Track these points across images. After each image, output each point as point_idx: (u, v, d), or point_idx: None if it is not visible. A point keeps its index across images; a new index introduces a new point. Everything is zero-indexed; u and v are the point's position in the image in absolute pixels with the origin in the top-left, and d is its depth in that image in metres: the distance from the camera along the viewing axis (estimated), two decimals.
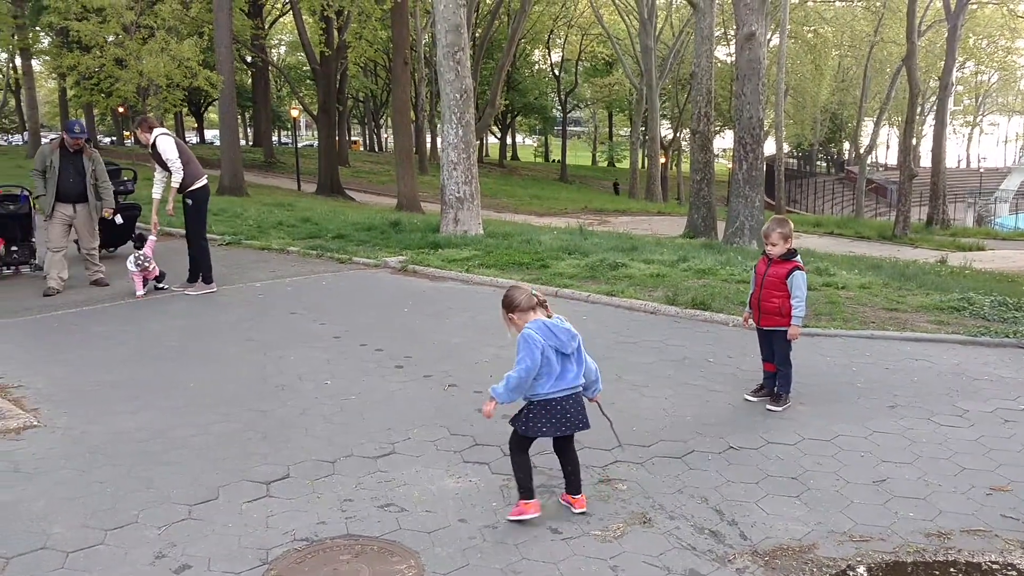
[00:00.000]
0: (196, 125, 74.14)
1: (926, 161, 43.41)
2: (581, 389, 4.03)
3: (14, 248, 10.30)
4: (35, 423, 5.26)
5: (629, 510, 4.13)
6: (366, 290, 9.74)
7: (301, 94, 52.24)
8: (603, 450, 4.82)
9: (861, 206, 46.09)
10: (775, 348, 5.56)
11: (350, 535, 3.86)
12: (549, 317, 4.01)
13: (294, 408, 5.56)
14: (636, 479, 4.48)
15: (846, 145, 69.92)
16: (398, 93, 27.72)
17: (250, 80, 52.44)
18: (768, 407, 5.50)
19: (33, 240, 10.50)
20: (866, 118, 51.99)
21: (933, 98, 52.83)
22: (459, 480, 4.44)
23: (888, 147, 78.07)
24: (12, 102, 63.99)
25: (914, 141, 42.98)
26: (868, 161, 54.62)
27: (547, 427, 3.92)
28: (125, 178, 12.11)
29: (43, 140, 47.25)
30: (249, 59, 43.75)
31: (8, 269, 10.40)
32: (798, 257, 5.45)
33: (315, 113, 35.62)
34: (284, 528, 3.91)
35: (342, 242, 13.09)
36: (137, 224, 11.93)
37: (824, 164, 70.16)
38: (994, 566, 3.66)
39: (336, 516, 4.04)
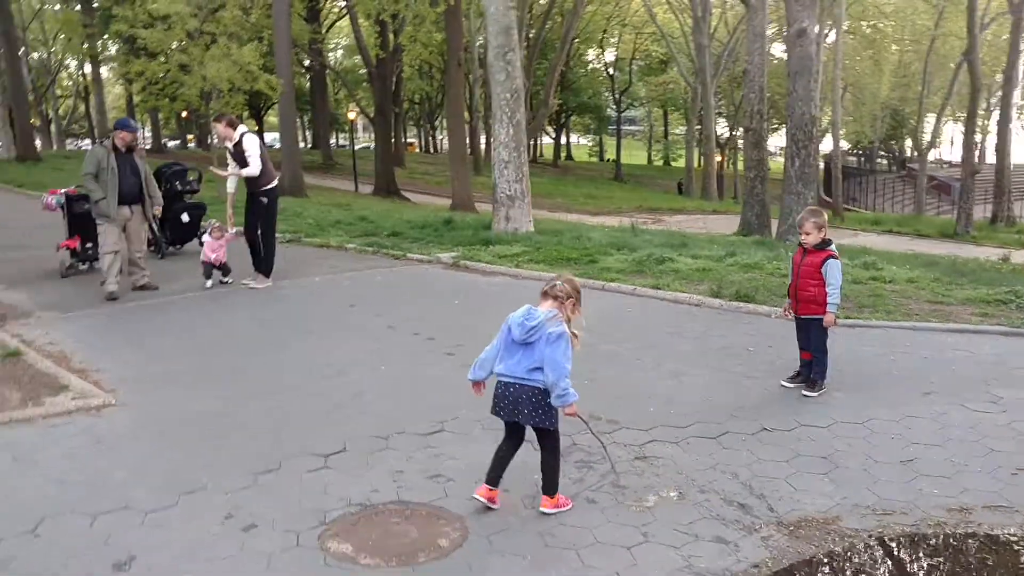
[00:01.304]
0: (256, 128, 75.92)
1: (992, 158, 42.29)
2: (523, 382, 3.92)
3: (89, 245, 10.90)
4: (113, 402, 5.70)
5: (662, 484, 4.37)
6: (419, 284, 10.10)
7: (358, 96, 53.20)
8: (640, 430, 5.06)
9: (922, 203, 45.12)
10: (811, 336, 5.73)
11: (401, 501, 4.18)
12: (561, 308, 3.99)
13: (350, 391, 5.92)
14: (671, 457, 4.71)
15: (908, 142, 68.40)
16: (452, 95, 28.20)
17: (308, 84, 53.55)
18: (804, 393, 5.67)
19: None
20: (929, 114, 50.89)
21: (999, 92, 51.50)
22: None
23: (952, 144, 76.11)
24: (81, 108, 66.46)
25: (978, 137, 42.00)
26: (932, 158, 53.40)
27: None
28: (191, 178, 12.68)
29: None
30: (307, 63, 44.73)
31: (84, 265, 11.00)
32: (833, 246, 5.61)
33: (372, 115, 36.33)
34: (340, 495, 4.24)
35: (397, 239, 13.49)
36: (202, 222, 12.49)
37: (885, 162, 68.74)
38: (1012, 538, 3.81)
39: (388, 485, 4.36)
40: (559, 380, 3.84)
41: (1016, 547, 3.76)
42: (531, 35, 47.35)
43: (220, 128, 9.68)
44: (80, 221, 10.82)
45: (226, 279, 9.94)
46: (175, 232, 12.13)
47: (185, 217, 11.99)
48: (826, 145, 46.61)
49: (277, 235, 10.33)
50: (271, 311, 8.64)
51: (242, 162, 9.56)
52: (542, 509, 4.04)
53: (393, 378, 6.21)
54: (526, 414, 3.94)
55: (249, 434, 5.11)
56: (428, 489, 4.31)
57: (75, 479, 4.45)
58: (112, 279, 9.20)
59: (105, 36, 41.37)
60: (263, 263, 9.94)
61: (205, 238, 10.11)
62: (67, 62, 58.51)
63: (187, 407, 5.62)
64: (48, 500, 4.19)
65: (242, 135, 9.58)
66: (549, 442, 4.06)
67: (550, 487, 4.07)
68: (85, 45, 41.67)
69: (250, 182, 9.63)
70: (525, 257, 11.42)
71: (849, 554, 3.75)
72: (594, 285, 9.55)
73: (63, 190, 11.02)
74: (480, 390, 4.11)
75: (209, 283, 9.74)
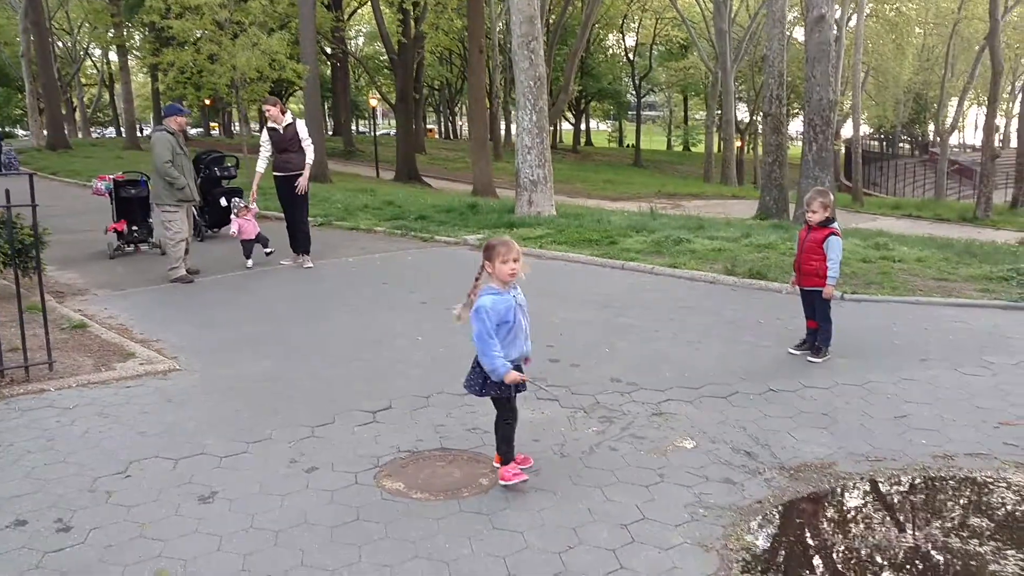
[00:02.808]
0: None
1: (1015, 142, 42.11)
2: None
3: (135, 228, 11.51)
4: (177, 367, 6.27)
5: (677, 435, 4.87)
6: (448, 264, 10.63)
7: (379, 83, 53.74)
8: (656, 391, 5.57)
9: (943, 187, 45.07)
10: (815, 306, 6.20)
11: (444, 448, 4.71)
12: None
13: (391, 358, 6.46)
14: (685, 413, 5.21)
15: (930, 127, 68.07)
16: (473, 81, 28.63)
17: (330, 71, 54.15)
18: (809, 359, 6.15)
19: (151, 220, 11.68)
20: (952, 98, 50.70)
21: (1023, 76, 51.13)
22: (533, 412, 5.24)
23: (976, 128, 75.63)
24: (106, 96, 67.42)
25: (1000, 121, 41.87)
26: (955, 143, 53.11)
27: None
28: (228, 164, 13.27)
29: (139, 132, 49.69)
30: (329, 50, 45.27)
31: (130, 247, 11.61)
32: (835, 224, 6.07)
33: (393, 102, 36.84)
34: (390, 443, 4.78)
35: (424, 223, 14.02)
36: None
37: (907, 146, 68.44)
38: (988, 479, 4.28)
39: (432, 436, 4.89)
40: (481, 357, 4.05)
41: (991, 487, 4.23)
42: (551, 21, 47.58)
43: (274, 111, 10.12)
44: (126, 205, 11.45)
45: (268, 248, 10.47)
46: (214, 216, 12.73)
47: (223, 201, 12.57)
48: (848, 130, 46.66)
49: (309, 219, 10.86)
50: (310, 288, 9.20)
51: (286, 145, 10.06)
52: (494, 464, 4.35)
53: (429, 347, 6.73)
54: (471, 385, 4.22)
55: (303, 394, 5.65)
56: (467, 439, 4.83)
57: (154, 431, 5.01)
58: (182, 263, 9.52)
59: (129, 25, 42.12)
60: (301, 244, 10.46)
61: (232, 219, 10.70)
62: (92, 51, 59.43)
63: (244, 371, 6.17)
64: (133, 448, 4.75)
65: (294, 119, 10.20)
66: (497, 410, 4.25)
67: (498, 449, 4.27)
68: (111, 34, 42.38)
69: (296, 165, 10.12)
70: (548, 239, 11.91)
71: (842, 492, 4.24)
72: (614, 264, 10.05)
73: (111, 176, 11.62)
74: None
75: (250, 262, 10.31)
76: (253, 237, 10.45)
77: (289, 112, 10.25)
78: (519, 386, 4.20)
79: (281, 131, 10.10)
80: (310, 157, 10.20)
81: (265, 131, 10.27)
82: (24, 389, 5.65)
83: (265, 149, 10.27)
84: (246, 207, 10.53)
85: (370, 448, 4.73)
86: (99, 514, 3.95)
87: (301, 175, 10.15)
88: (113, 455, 4.64)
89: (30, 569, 3.47)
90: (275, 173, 10.32)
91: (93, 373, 6.03)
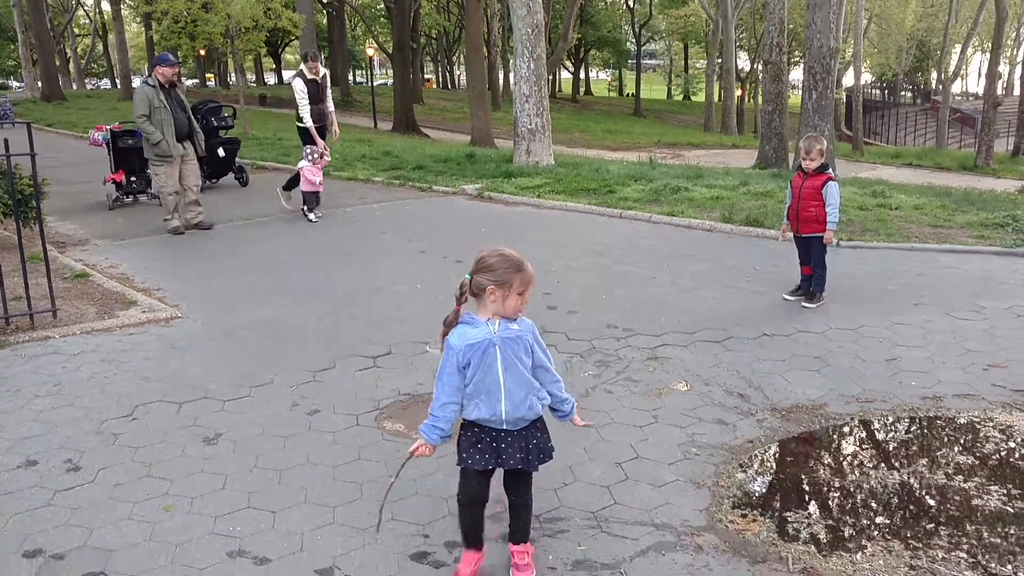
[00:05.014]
0: (274, 66, 75.86)
1: (1019, 90, 41.72)
2: None
3: (133, 179, 11.50)
4: (179, 315, 6.35)
5: (671, 379, 4.96)
6: (446, 214, 10.66)
7: (376, 32, 53.03)
8: (652, 335, 5.65)
9: (944, 136, 44.75)
10: (812, 252, 6.26)
11: None
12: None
13: (391, 305, 6.53)
14: (679, 357, 5.30)
15: (933, 74, 67.33)
16: (471, 30, 28.24)
17: (326, 20, 53.40)
18: (803, 304, 6.23)
19: (149, 171, 11.64)
20: (955, 45, 50.07)
21: None
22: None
23: (979, 76, 74.79)
24: (99, 47, 66.64)
25: (1004, 68, 41.42)
26: (957, 91, 52.59)
27: None
28: (225, 114, 13.18)
29: (134, 83, 49.17)
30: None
31: (128, 198, 11.62)
32: (831, 170, 6.09)
33: (390, 51, 36.40)
34: (390, 387, 4.87)
35: (422, 172, 13.99)
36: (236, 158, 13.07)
37: (909, 94, 67.78)
38: (975, 419, 4.38)
39: (431, 379, 4.93)
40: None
41: (977, 427, 4.33)
42: None
43: (316, 65, 10.79)
44: (124, 156, 11.43)
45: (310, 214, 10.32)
46: (212, 166, 12.68)
47: (221, 152, 12.52)
48: (849, 79, 46.17)
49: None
50: (310, 236, 9.24)
51: (323, 96, 10.77)
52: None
53: (428, 294, 6.80)
54: None
55: (304, 340, 5.73)
56: None
57: (158, 376, 5.10)
58: (175, 216, 9.44)
59: None
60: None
61: (304, 165, 10.13)
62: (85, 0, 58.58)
63: (245, 318, 6.25)
64: (138, 392, 4.84)
65: (327, 71, 10.93)
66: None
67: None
68: None
69: (327, 115, 10.95)
70: (546, 188, 11.91)
71: (832, 432, 4.34)
72: (611, 213, 10.08)
73: (108, 126, 11.58)
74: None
75: (313, 216, 10.16)
76: (321, 188, 10.33)
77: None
78: (487, 460, 2.96)
79: (319, 82, 10.71)
80: (331, 107, 11.09)
81: (300, 82, 10.66)
82: (29, 336, 5.73)
83: (305, 100, 10.63)
84: (321, 155, 10.31)
85: (371, 391, 4.82)
86: (107, 455, 4.05)
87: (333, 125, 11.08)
88: (119, 399, 4.74)
89: (42, 506, 3.58)
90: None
91: (96, 321, 6.11)
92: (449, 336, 2.93)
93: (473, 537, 3.09)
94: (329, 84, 10.92)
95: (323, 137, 10.75)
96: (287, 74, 75.32)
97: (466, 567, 3.05)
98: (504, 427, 2.93)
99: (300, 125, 10.82)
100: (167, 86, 9.30)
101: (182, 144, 9.40)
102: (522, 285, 2.89)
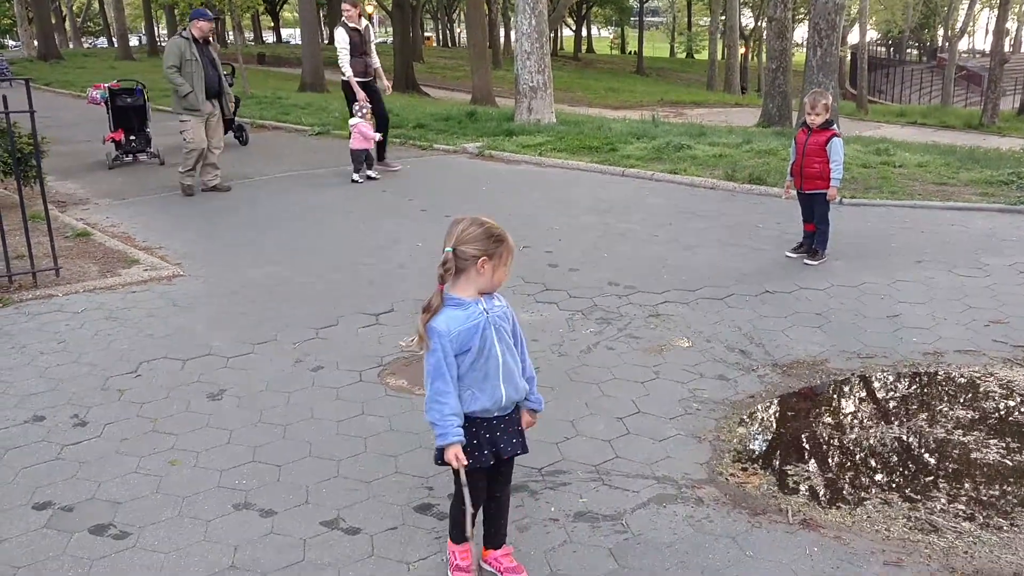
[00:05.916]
0: (272, 24, 74.91)
1: None
2: None
3: (133, 138, 11.44)
4: (181, 273, 6.35)
5: (672, 335, 4.98)
6: (447, 172, 10.61)
7: None
8: (654, 293, 5.66)
9: (949, 94, 44.29)
10: (815, 208, 6.24)
11: None
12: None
13: (393, 263, 6.53)
14: (681, 314, 5.31)
15: (940, 31, 66.44)
16: None
17: None
18: (806, 262, 6.22)
19: (148, 130, 11.59)
20: (964, 0, 49.35)
21: None
22: (532, 314, 5.34)
23: (987, 33, 73.82)
24: (96, 5, 65.73)
25: (1012, 24, 40.87)
26: (964, 48, 51.93)
27: None
28: (225, 72, 13.03)
29: (132, 42, 48.57)
30: None
31: (128, 157, 11.56)
32: (835, 126, 6.04)
33: (389, 8, 35.92)
34: (392, 343, 4.89)
35: (422, 131, 13.89)
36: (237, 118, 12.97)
37: (915, 52, 66.97)
38: (975, 374, 4.41)
39: None
40: (427, 407, 2.61)
41: (977, 382, 4.35)
42: None
43: (353, 11, 10.08)
44: (123, 114, 11.35)
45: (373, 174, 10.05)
46: None
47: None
48: (854, 36, 45.61)
49: (305, 128, 10.75)
50: (312, 196, 9.20)
51: (365, 48, 10.11)
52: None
53: (429, 252, 6.79)
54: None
55: (306, 297, 5.75)
56: None
57: (161, 333, 5.12)
58: (190, 174, 9.20)
59: None
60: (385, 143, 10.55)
61: (356, 122, 9.80)
62: None
63: (247, 276, 6.26)
64: (142, 349, 4.86)
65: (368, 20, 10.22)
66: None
67: (449, 531, 2.91)
68: None
69: (373, 68, 10.31)
70: (548, 146, 11.84)
71: (832, 387, 4.37)
72: (613, 171, 10.03)
73: (106, 84, 11.48)
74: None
75: (359, 176, 9.79)
76: (371, 145, 9.95)
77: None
78: (497, 453, 2.69)
79: (362, 32, 10.05)
80: (376, 61, 10.36)
81: (342, 31, 10.00)
82: (33, 295, 5.75)
83: (346, 52, 9.96)
84: (369, 109, 10.00)
85: (373, 348, 4.84)
86: (113, 410, 4.08)
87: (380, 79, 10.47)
88: (123, 356, 4.76)
89: (50, 460, 3.62)
90: (356, 79, 10.07)
91: (99, 279, 6.12)
92: (433, 323, 2.57)
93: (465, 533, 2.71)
94: (373, 37, 10.20)
95: (370, 92, 10.08)
96: (285, 32, 74.52)
97: (464, 559, 2.82)
98: (496, 414, 2.67)
99: (343, 78, 10.21)
100: (201, 41, 9.10)
101: (211, 102, 9.20)
102: (508, 254, 2.65)
